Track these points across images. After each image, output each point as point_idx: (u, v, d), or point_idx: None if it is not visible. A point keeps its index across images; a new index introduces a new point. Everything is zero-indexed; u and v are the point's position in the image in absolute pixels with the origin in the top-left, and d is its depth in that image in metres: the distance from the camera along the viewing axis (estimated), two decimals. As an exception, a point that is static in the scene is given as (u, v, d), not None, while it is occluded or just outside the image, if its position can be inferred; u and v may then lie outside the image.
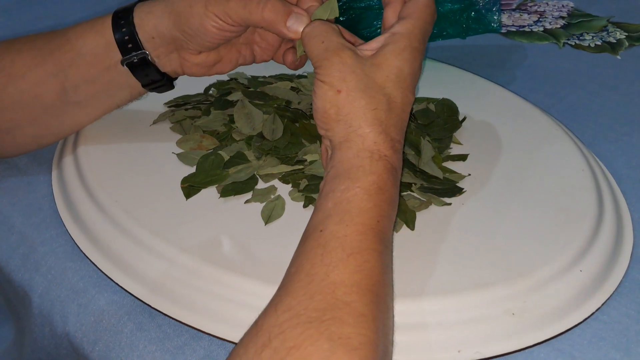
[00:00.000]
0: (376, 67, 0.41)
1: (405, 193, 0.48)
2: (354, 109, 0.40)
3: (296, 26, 0.45)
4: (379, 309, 0.34)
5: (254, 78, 0.61)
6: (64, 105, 0.49)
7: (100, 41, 0.47)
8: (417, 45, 0.43)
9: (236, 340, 0.39)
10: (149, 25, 0.47)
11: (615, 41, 0.81)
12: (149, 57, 0.48)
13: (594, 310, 0.43)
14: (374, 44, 0.43)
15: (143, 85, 0.50)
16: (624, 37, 0.82)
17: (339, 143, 0.41)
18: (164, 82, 0.50)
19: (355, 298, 0.34)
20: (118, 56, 0.47)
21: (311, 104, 0.56)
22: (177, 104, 0.58)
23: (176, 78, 0.52)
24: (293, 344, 0.32)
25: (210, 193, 0.48)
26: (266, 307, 0.35)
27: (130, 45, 0.47)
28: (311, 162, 0.49)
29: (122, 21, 0.47)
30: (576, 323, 0.42)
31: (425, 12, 0.44)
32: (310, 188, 0.48)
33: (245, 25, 0.47)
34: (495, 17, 0.66)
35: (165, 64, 0.49)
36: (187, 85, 0.60)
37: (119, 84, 0.49)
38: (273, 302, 0.35)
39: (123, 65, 0.48)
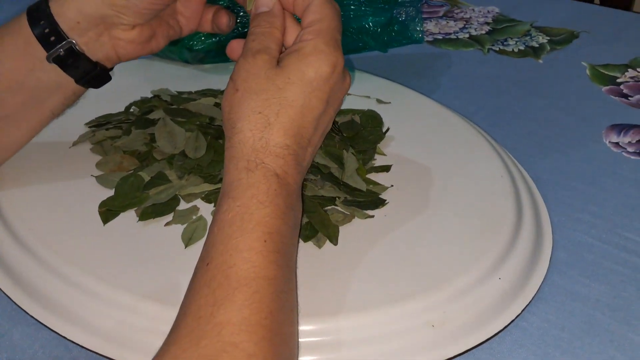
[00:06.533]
0: (279, 69, 0.40)
1: (329, 207, 0.48)
2: (241, 110, 0.39)
3: None
4: (272, 344, 0.33)
5: (180, 94, 0.60)
6: None
7: (18, 42, 0.44)
8: (323, 48, 0.41)
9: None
10: (71, 10, 0.44)
11: (537, 45, 0.83)
12: (77, 47, 0.44)
13: (514, 317, 0.44)
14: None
15: (76, 81, 0.46)
16: (546, 41, 0.84)
17: (225, 150, 0.39)
18: (97, 72, 0.46)
19: (244, 338, 0.32)
20: (42, 53, 0.44)
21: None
22: (99, 124, 0.56)
23: (112, 68, 0.48)
24: None
25: (130, 216, 0.47)
26: (153, 358, 0.33)
27: (52, 38, 0.44)
28: (233, 180, 0.49)
29: (38, 14, 0.44)
30: (496, 332, 0.43)
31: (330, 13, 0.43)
32: (232, 207, 0.47)
33: None
34: (418, 28, 0.67)
35: (96, 50, 0.46)
36: (109, 104, 0.59)
37: (49, 86, 0.45)
38: (159, 353, 0.32)
39: (50, 62, 0.44)
